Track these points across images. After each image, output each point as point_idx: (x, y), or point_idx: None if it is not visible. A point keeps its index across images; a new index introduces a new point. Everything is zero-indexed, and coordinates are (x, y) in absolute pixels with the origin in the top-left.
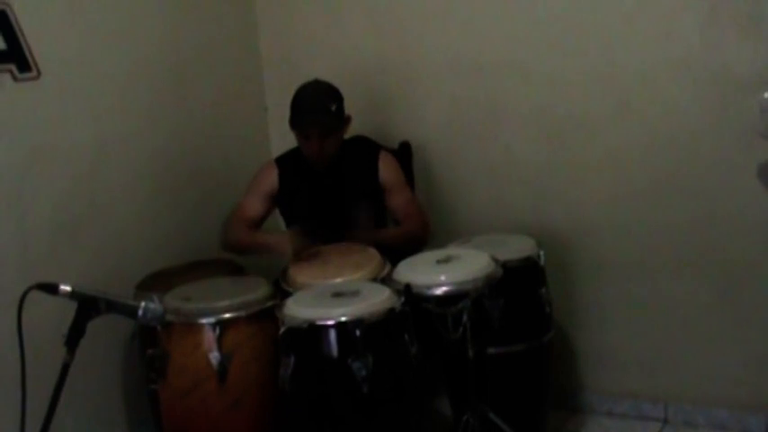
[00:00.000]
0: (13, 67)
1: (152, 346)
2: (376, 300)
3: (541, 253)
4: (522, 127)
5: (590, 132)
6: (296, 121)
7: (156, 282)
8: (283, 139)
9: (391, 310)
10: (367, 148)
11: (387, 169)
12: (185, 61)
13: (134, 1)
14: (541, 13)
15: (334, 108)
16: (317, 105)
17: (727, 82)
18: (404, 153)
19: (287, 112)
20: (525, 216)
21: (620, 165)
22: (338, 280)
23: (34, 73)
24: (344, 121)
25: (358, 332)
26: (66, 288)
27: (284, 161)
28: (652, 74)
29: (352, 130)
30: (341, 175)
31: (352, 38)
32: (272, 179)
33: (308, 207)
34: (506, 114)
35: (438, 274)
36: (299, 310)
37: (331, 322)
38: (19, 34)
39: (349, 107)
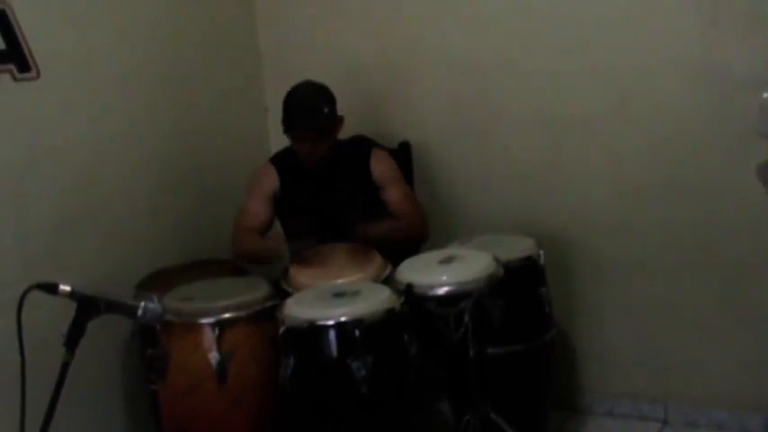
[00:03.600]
0: (12, 68)
1: (152, 346)
2: (375, 300)
3: (541, 253)
4: (521, 127)
5: (590, 132)
6: (288, 124)
7: (156, 281)
8: (283, 139)
9: (391, 311)
10: (360, 147)
11: (379, 166)
12: (184, 61)
13: (133, 1)
14: (541, 13)
15: (326, 110)
16: (309, 108)
17: (727, 81)
18: (403, 153)
19: None
20: (525, 215)
21: (619, 164)
22: (339, 281)
23: (34, 73)
24: (337, 121)
25: (357, 332)
26: (65, 288)
27: (280, 160)
28: (652, 73)
29: (352, 130)
30: (335, 173)
31: (351, 37)
32: (273, 179)
33: (305, 206)
34: (506, 114)
35: (440, 274)
36: (298, 310)
37: (330, 322)
38: (19, 34)
39: (348, 107)
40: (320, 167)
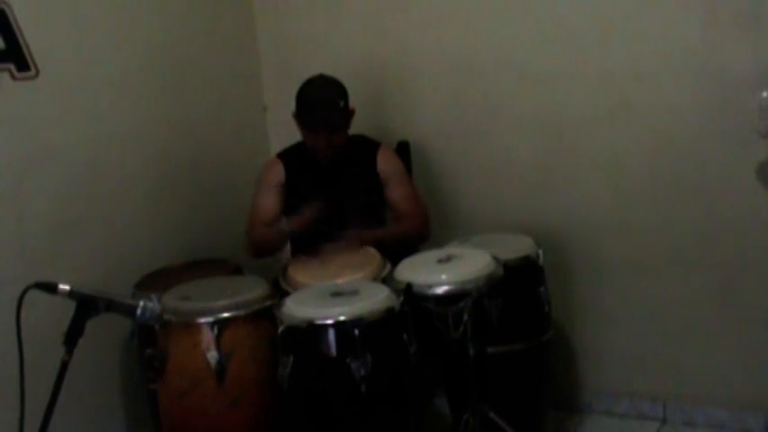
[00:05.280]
0: (11, 67)
1: (151, 346)
2: (375, 299)
3: (540, 252)
4: (521, 126)
5: (589, 132)
6: (305, 119)
7: (155, 281)
8: (282, 139)
9: (390, 310)
10: (368, 143)
11: (385, 161)
12: (184, 61)
13: (133, 1)
14: (540, 13)
15: (342, 104)
16: (326, 102)
17: (726, 81)
18: (402, 152)
19: (285, 112)
20: (524, 215)
21: (619, 164)
22: (338, 280)
23: (33, 72)
24: (350, 114)
25: (357, 332)
26: (64, 287)
27: (287, 155)
28: (652, 73)
29: (352, 129)
30: (343, 168)
31: (350, 37)
32: (278, 172)
33: (311, 199)
34: (505, 114)
35: (439, 274)
36: (297, 309)
37: (330, 321)
38: (18, 33)
39: None
40: (329, 161)
